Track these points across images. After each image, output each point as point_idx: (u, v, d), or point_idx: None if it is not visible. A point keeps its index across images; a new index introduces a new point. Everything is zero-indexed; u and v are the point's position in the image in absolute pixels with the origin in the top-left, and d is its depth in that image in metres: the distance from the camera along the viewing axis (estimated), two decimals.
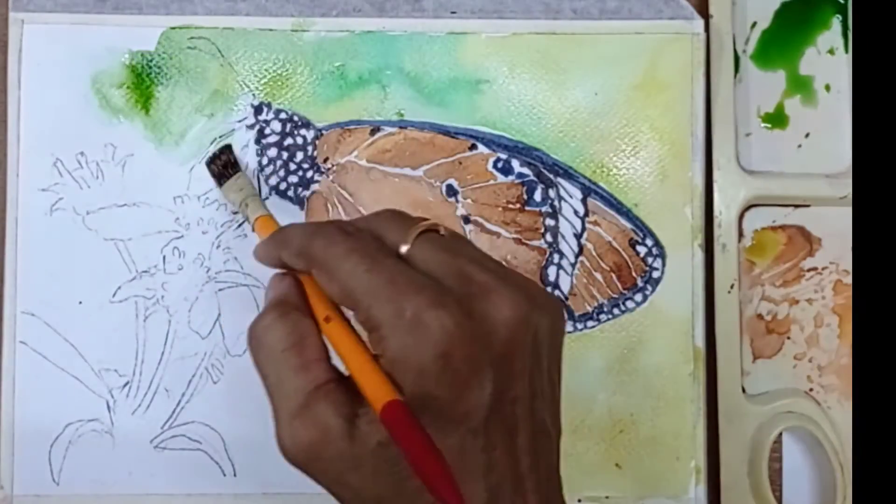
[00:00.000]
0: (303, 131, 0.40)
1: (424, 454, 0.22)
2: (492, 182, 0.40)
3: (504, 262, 0.40)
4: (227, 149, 0.39)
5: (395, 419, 0.23)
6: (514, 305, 0.25)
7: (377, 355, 0.25)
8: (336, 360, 0.26)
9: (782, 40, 0.43)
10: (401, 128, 0.40)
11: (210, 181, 0.39)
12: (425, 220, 0.27)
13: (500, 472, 0.25)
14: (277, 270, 0.29)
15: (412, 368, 0.24)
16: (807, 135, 0.42)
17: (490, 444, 0.25)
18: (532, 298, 0.26)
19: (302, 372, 0.25)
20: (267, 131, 0.40)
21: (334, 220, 0.27)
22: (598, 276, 0.41)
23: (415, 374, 0.24)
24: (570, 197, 0.41)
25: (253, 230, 0.36)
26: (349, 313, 0.26)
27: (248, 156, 0.40)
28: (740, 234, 0.42)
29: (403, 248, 0.26)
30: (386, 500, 0.25)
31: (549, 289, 0.40)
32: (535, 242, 0.40)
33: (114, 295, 0.40)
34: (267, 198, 0.40)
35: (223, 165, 0.39)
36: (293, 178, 0.40)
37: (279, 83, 0.40)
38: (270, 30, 0.40)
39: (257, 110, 0.40)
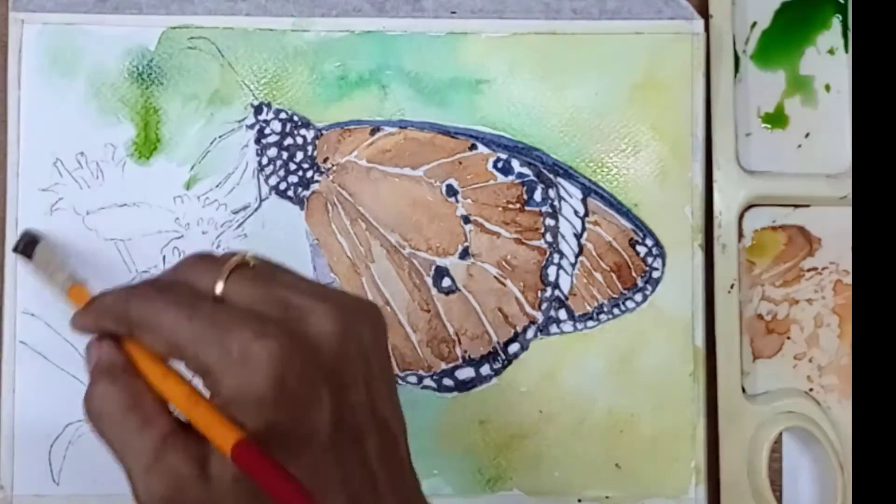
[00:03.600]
0: (303, 131, 0.40)
1: (281, 484, 0.23)
2: (492, 182, 0.40)
3: (504, 262, 0.40)
4: (26, 232, 0.38)
5: (246, 457, 0.23)
6: (333, 319, 0.26)
7: (214, 398, 0.25)
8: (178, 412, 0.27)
9: (782, 40, 0.43)
10: (401, 128, 0.40)
11: (207, 182, 0.40)
12: (233, 255, 0.28)
13: (357, 480, 0.26)
14: (92, 337, 0.29)
15: (251, 402, 0.24)
16: (807, 135, 0.42)
17: (341, 455, 0.25)
18: (348, 309, 0.27)
19: (145, 428, 0.25)
20: (267, 131, 0.40)
21: (145, 279, 0.28)
22: (598, 276, 0.41)
23: (255, 407, 0.24)
24: (570, 197, 0.41)
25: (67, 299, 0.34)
26: (180, 366, 0.26)
27: (248, 156, 0.40)
28: (740, 234, 0.42)
29: (218, 289, 0.26)
30: None
31: (549, 289, 0.40)
32: (535, 242, 0.40)
33: None
34: (267, 198, 0.40)
35: (26, 244, 0.37)
36: (293, 178, 0.40)
37: (279, 83, 0.40)
38: (270, 30, 0.40)
39: (257, 110, 0.40)
